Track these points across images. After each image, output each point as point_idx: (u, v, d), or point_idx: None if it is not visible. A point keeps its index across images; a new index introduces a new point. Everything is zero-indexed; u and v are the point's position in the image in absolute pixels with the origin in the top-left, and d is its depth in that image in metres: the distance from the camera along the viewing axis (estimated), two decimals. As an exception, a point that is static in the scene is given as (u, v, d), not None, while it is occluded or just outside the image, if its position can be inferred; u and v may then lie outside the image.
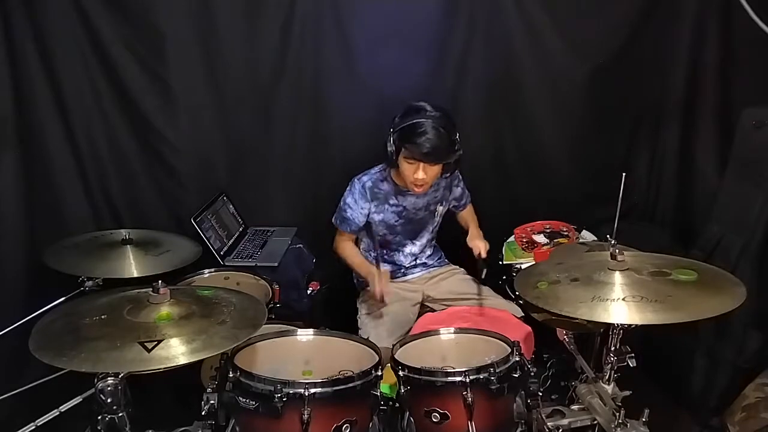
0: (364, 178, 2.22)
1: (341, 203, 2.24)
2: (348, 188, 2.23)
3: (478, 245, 2.23)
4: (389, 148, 2.05)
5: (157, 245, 2.09)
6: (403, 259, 2.34)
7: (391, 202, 2.21)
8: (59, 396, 1.78)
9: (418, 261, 2.37)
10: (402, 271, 2.35)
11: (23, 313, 1.83)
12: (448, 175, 2.20)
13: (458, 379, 1.46)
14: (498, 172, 2.78)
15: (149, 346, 1.25)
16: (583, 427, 1.65)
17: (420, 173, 2.03)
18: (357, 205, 2.20)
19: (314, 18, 2.44)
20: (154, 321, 1.36)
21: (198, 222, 2.28)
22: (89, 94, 2.39)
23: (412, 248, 2.34)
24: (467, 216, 2.48)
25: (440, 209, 2.33)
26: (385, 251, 2.31)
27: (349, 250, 2.29)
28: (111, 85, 2.40)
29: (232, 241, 2.49)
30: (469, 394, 1.44)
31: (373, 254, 2.30)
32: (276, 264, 2.35)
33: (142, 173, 2.53)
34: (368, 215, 2.21)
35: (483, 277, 2.19)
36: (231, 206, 2.62)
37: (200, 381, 1.86)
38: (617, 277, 1.49)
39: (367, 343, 1.66)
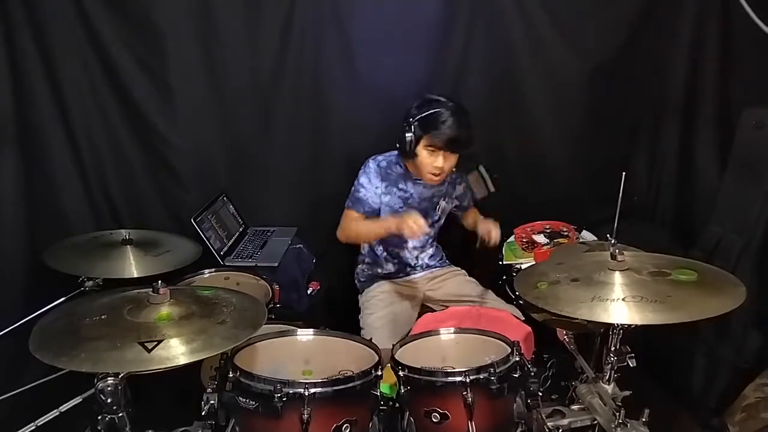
0: (379, 158, 2.23)
1: (354, 184, 2.23)
2: (362, 169, 2.22)
3: (490, 227, 2.16)
4: (407, 139, 2.05)
5: (157, 245, 2.09)
6: (408, 254, 2.34)
7: (400, 186, 2.22)
8: (59, 396, 1.78)
9: (419, 260, 2.37)
10: (406, 270, 2.35)
11: (23, 313, 1.83)
12: (454, 169, 2.21)
13: (458, 379, 1.46)
14: (498, 172, 2.77)
15: (149, 346, 1.25)
16: (583, 427, 1.66)
17: (440, 161, 2.05)
18: (371, 185, 2.19)
19: (314, 18, 2.44)
20: (154, 321, 1.36)
21: (198, 222, 2.28)
22: (89, 94, 2.39)
23: (414, 242, 2.34)
24: (473, 215, 2.47)
25: (443, 204, 2.33)
26: (389, 247, 2.32)
27: (361, 223, 2.20)
28: (111, 85, 2.40)
29: (232, 241, 2.49)
30: (469, 394, 1.44)
31: (379, 249, 2.31)
32: (276, 264, 2.35)
33: (142, 173, 2.53)
34: (380, 196, 2.21)
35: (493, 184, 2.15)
36: (231, 206, 2.62)
37: (200, 381, 1.86)
38: (617, 277, 1.49)
39: (367, 343, 1.66)
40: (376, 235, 2.20)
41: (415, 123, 2.05)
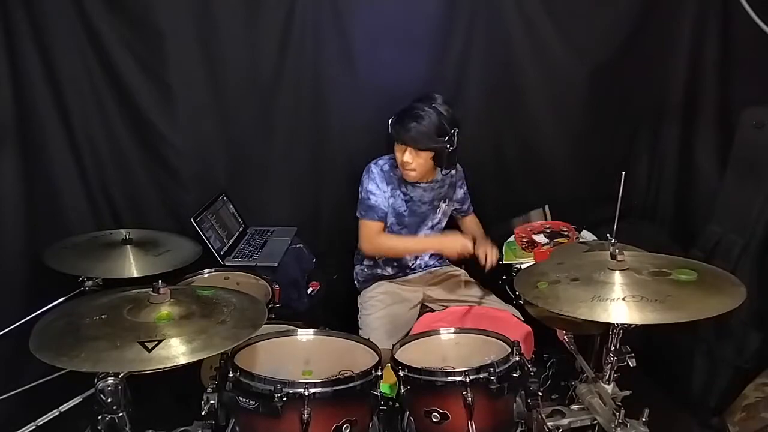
0: (381, 162, 2.23)
1: (362, 194, 2.21)
2: (365, 175, 2.21)
3: (487, 250, 2.17)
4: (390, 132, 2.11)
5: (157, 245, 2.10)
6: (408, 257, 2.34)
7: (402, 189, 2.22)
8: (59, 396, 1.79)
9: (419, 260, 2.37)
10: (405, 271, 2.35)
11: (23, 313, 1.83)
12: (447, 172, 2.21)
13: (458, 379, 1.47)
14: (498, 172, 2.78)
15: (149, 346, 1.25)
16: (583, 427, 1.66)
17: (406, 156, 2.08)
18: (380, 190, 2.19)
19: (314, 18, 2.44)
20: (154, 321, 1.36)
21: (198, 222, 2.28)
22: (89, 94, 2.38)
23: None
24: (473, 225, 2.50)
25: (443, 206, 2.33)
26: None
27: (390, 239, 2.23)
28: (111, 85, 2.39)
29: (232, 241, 2.49)
30: (469, 394, 1.44)
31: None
32: (276, 264, 2.35)
33: (142, 173, 2.52)
34: (387, 200, 2.20)
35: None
36: (231, 206, 2.62)
37: (200, 381, 1.86)
38: (617, 277, 1.50)
39: (367, 343, 1.67)
40: (414, 253, 2.30)
41: (393, 117, 2.11)
